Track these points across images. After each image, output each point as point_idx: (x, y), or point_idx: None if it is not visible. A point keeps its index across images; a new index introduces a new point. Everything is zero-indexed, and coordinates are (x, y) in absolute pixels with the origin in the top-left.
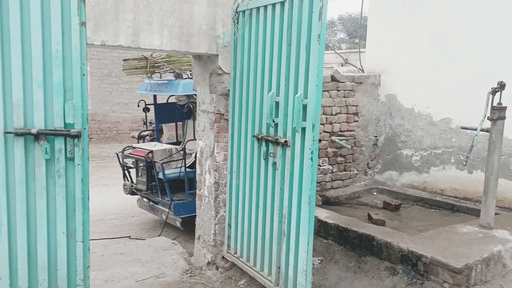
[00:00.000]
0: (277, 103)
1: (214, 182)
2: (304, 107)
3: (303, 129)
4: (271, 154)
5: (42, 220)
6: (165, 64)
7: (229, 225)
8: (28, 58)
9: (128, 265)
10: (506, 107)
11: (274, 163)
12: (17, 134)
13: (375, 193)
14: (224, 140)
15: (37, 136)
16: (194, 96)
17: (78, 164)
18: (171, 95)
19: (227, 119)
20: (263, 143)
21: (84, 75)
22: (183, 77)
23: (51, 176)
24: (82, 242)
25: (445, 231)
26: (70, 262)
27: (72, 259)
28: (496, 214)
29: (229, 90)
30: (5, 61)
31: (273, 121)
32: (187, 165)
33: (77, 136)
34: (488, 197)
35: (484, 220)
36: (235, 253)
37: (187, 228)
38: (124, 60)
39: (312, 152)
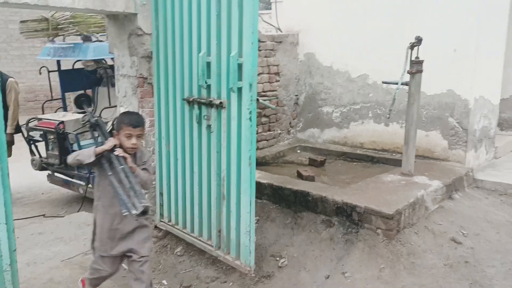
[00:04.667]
0: (208, 64)
1: None
2: (239, 66)
3: (239, 89)
4: (205, 117)
5: None
6: (70, 26)
7: (161, 194)
8: None
9: (50, 245)
10: (423, 60)
11: (209, 126)
12: None
13: (298, 151)
14: (149, 105)
15: None
16: (104, 61)
17: None
18: (78, 60)
19: (151, 83)
20: (195, 106)
21: None
22: (92, 40)
23: None
24: (6, 224)
25: (372, 181)
26: None
27: None
28: None
29: (151, 52)
30: None
31: (206, 83)
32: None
33: None
34: (409, 146)
35: (405, 168)
36: (169, 221)
37: None
38: (22, 22)
39: (250, 112)
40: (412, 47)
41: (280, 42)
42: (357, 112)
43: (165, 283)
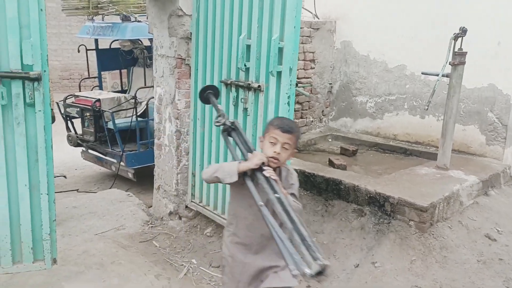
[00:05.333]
0: (248, 47)
1: (176, 130)
2: (280, 50)
3: (279, 73)
4: (242, 100)
5: (0, 172)
6: (109, 5)
7: (193, 174)
8: None
9: (84, 218)
10: (466, 52)
11: (245, 109)
12: None
13: (330, 140)
14: (185, 86)
15: None
16: (140, 41)
17: (40, 111)
18: (116, 40)
19: (189, 64)
20: (233, 89)
21: (42, 10)
22: (131, 20)
23: (9, 124)
24: (47, 194)
25: (405, 173)
26: (35, 216)
27: (36, 213)
28: None
29: (191, 33)
30: None
31: (245, 66)
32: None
33: (37, 79)
34: (446, 140)
35: (441, 161)
36: (200, 202)
37: (139, 179)
38: None
39: (289, 97)
40: (456, 38)
41: (317, 29)
42: (392, 103)
43: (195, 262)
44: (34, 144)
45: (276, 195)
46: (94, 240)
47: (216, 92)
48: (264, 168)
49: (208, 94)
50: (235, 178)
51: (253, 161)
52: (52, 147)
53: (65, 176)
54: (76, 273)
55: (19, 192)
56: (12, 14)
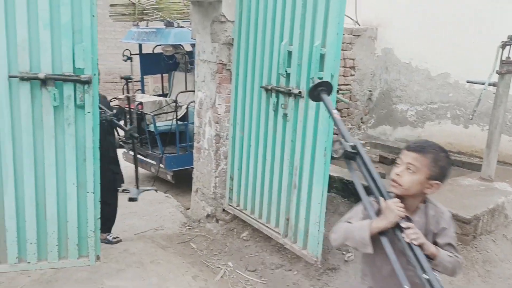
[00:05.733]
0: (289, 53)
1: (215, 134)
2: (322, 56)
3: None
4: (282, 106)
5: (51, 170)
6: (154, 11)
7: (231, 178)
8: None
9: (125, 218)
10: None
11: (285, 115)
12: (22, 79)
13: (368, 148)
14: (226, 91)
15: (44, 81)
16: (181, 46)
17: (89, 112)
18: (158, 45)
19: (230, 70)
20: (273, 94)
21: (94, 16)
22: (174, 26)
23: (60, 124)
24: (93, 193)
25: (448, 183)
26: (81, 214)
27: (82, 210)
28: None
29: (232, 39)
30: None
31: (286, 71)
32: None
33: (88, 82)
34: (491, 150)
35: (485, 173)
36: (237, 205)
37: (177, 182)
38: (111, 5)
39: None
40: (503, 46)
41: (358, 35)
42: (434, 111)
43: (231, 265)
44: (82, 145)
45: (425, 276)
46: (134, 239)
47: (329, 89)
48: (403, 226)
49: (320, 92)
50: (370, 250)
51: (388, 219)
52: (99, 147)
53: (156, 190)
54: (117, 271)
55: (67, 191)
56: (66, 19)
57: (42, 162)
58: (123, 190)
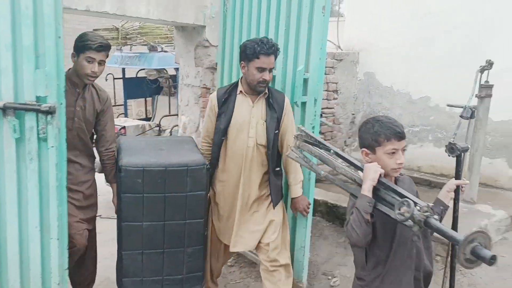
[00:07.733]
0: (273, 77)
1: None
2: (305, 81)
3: (304, 104)
4: None
5: (12, 209)
6: (138, 36)
7: None
8: None
9: (106, 245)
10: (493, 85)
11: None
12: None
13: None
14: None
15: (4, 111)
16: (165, 70)
17: (52, 147)
18: (142, 69)
19: None
20: None
21: (60, 37)
22: (158, 50)
23: (23, 159)
24: (58, 239)
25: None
26: (45, 262)
27: (46, 258)
28: None
29: (216, 63)
30: None
31: None
32: None
33: (50, 112)
34: (473, 173)
35: (468, 195)
36: None
37: None
38: (95, 30)
39: (313, 127)
40: (482, 70)
41: (340, 60)
42: (416, 134)
43: None
44: (46, 183)
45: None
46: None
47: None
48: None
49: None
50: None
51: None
52: (66, 186)
53: (100, 216)
54: None
55: (29, 234)
56: (28, 42)
57: (4, 200)
58: None
